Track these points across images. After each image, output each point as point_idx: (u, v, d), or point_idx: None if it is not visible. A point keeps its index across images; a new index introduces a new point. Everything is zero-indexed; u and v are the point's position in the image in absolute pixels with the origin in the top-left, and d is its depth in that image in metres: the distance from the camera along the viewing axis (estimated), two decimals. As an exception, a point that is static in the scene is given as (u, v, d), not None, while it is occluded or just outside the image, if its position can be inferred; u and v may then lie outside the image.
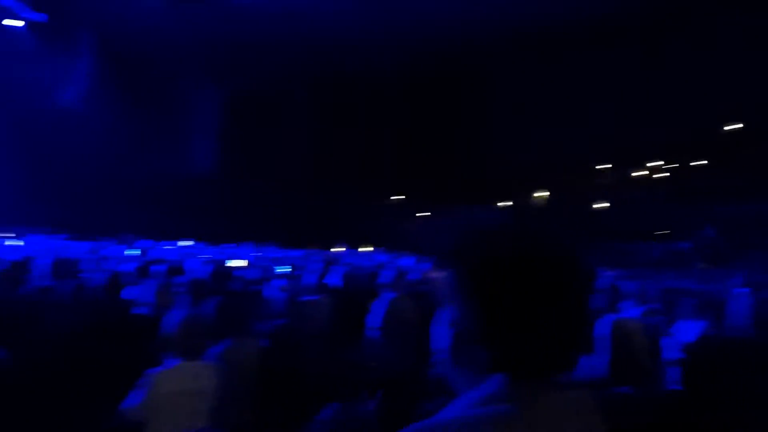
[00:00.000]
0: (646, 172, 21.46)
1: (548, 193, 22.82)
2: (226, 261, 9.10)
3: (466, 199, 18.06)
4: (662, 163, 20.96)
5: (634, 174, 21.80)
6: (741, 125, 18.91)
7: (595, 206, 20.87)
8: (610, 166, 21.95)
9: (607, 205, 21.02)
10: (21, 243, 11.01)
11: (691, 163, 19.85)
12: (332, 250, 15.38)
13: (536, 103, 21.23)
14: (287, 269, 8.29)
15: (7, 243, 10.78)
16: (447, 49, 19.17)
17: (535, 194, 23.01)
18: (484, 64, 20.85)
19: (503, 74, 21.35)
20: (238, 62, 18.84)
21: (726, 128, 19.12)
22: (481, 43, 18.77)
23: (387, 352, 4.83)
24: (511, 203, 21.36)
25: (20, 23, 16.62)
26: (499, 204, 20.35)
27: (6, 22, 16.48)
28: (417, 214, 21.86)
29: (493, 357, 1.00)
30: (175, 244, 13.30)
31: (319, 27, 17.16)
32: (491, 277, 1.00)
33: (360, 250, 16.30)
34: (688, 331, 4.46)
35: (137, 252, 10.02)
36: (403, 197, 23.98)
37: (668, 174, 20.90)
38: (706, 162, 19.43)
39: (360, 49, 18.67)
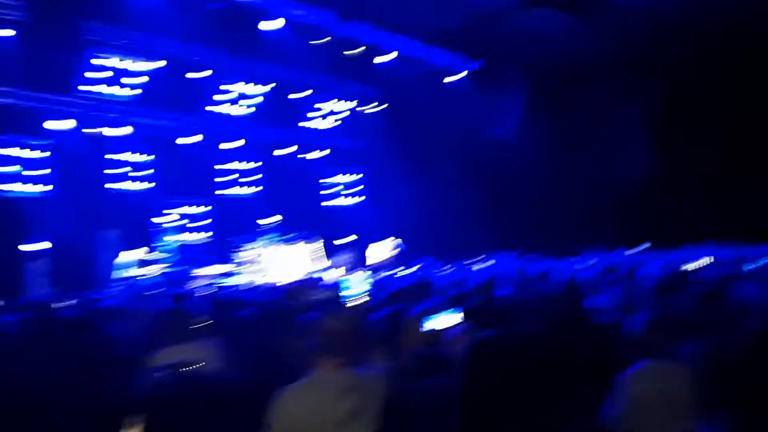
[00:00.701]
0: None
1: None
2: (683, 264, 8.61)
3: None
4: None
5: None
6: None
7: None
8: None
9: None
10: (490, 263, 12.53)
11: None
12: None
13: None
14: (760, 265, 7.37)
15: (475, 268, 12.30)
16: None
17: None
18: None
19: None
20: (651, 66, 17.93)
21: None
22: None
23: None
24: None
25: (461, 75, 19.15)
26: None
27: (447, 79, 19.14)
28: None
29: None
30: (623, 252, 13.22)
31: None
32: None
33: None
34: None
35: (590, 262, 10.30)
36: None
37: None
38: None
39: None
